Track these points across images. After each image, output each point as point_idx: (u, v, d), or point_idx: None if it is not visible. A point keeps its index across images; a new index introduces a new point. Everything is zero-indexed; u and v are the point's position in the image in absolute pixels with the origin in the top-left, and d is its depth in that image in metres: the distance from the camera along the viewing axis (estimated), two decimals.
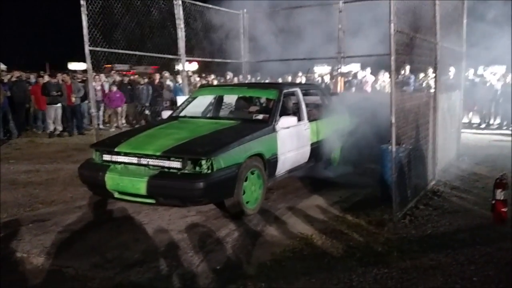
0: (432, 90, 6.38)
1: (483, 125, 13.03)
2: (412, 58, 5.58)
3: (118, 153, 4.99)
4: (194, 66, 15.02)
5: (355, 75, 13.69)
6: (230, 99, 7.08)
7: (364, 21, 8.47)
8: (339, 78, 10.28)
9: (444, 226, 4.67)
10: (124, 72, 21.61)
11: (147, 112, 13.57)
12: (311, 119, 6.45)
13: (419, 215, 4.98)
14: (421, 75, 10.95)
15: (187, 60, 8.94)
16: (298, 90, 6.45)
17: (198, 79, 14.86)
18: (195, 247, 4.23)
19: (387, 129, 4.81)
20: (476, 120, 13.44)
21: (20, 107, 12.27)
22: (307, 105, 6.51)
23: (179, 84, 12.70)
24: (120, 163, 4.97)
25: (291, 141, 5.82)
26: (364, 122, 6.90)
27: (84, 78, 13.94)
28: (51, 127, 12.09)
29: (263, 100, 7.06)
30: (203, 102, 6.95)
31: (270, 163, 5.41)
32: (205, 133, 5.25)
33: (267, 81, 11.82)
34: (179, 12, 8.42)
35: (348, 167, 7.07)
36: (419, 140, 5.57)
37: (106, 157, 5.11)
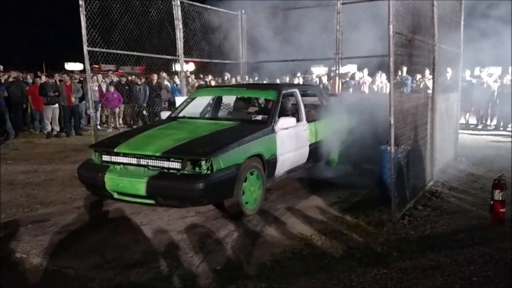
0: (430, 91, 6.41)
1: (480, 126, 13.10)
2: (410, 60, 5.60)
3: (117, 154, 4.99)
4: (191, 66, 15.00)
5: (352, 76, 13.72)
6: (229, 99, 7.09)
7: (362, 22, 8.50)
8: (337, 79, 10.31)
9: (442, 227, 4.69)
10: (111, 72, 21.44)
11: (144, 112, 13.56)
12: (309, 120, 6.47)
13: (418, 216, 5.00)
14: (418, 76, 11.02)
15: (184, 61, 8.94)
16: (296, 91, 6.47)
17: (194, 80, 14.82)
18: (195, 247, 4.23)
19: (385, 130, 4.84)
20: (473, 121, 13.51)
21: (17, 107, 12.24)
22: (305, 106, 6.52)
23: (177, 85, 12.71)
24: (120, 163, 4.97)
25: (290, 142, 5.84)
26: (362, 123, 6.91)
27: (82, 79, 13.92)
28: (49, 128, 12.06)
29: (261, 100, 7.07)
30: (202, 102, 6.95)
31: (269, 163, 5.42)
32: (205, 133, 5.25)
33: (264, 82, 11.83)
34: (177, 13, 8.42)
35: (346, 168, 7.09)
36: (418, 141, 5.59)
37: (106, 157, 5.11)
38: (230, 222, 4.89)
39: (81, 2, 6.60)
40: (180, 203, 4.74)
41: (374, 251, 4.05)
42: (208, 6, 9.53)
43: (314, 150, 6.45)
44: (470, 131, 12.06)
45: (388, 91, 8.73)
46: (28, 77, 13.95)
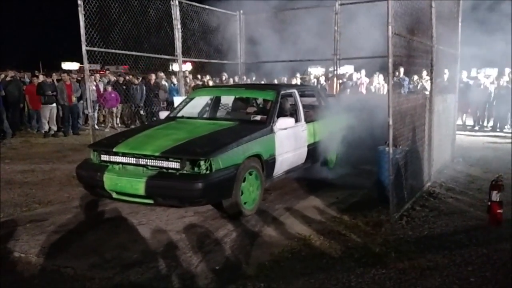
0: (427, 92, 6.43)
1: (477, 127, 13.15)
2: (409, 61, 5.63)
3: (116, 154, 4.99)
4: (188, 66, 14.99)
5: (350, 77, 13.76)
6: (228, 100, 7.10)
7: (360, 23, 8.53)
8: (334, 79, 10.33)
9: (440, 227, 4.71)
10: (97, 71, 21.36)
11: (142, 112, 13.53)
12: (308, 120, 6.48)
13: (416, 216, 5.02)
14: (415, 77, 11.05)
15: (182, 61, 8.94)
16: (295, 92, 6.48)
17: (192, 80, 14.81)
18: (193, 247, 4.24)
19: (383, 130, 4.86)
20: (470, 122, 13.56)
21: (15, 106, 12.21)
22: (304, 106, 6.54)
23: (174, 85, 12.70)
24: (119, 163, 4.96)
25: (288, 142, 5.85)
26: (360, 124, 6.93)
27: (79, 78, 13.89)
28: (46, 127, 12.04)
29: (260, 101, 7.08)
30: (200, 102, 6.95)
31: (268, 164, 5.43)
32: (204, 133, 5.25)
33: (262, 82, 11.84)
34: (176, 13, 8.42)
35: (344, 168, 7.11)
36: (415, 141, 5.61)
37: (104, 157, 5.10)
38: (228, 222, 4.90)
39: (79, 2, 6.60)
40: (179, 203, 4.75)
41: (372, 251, 4.07)
42: (207, 6, 9.53)
43: (313, 151, 6.46)
44: (467, 132, 12.11)
45: (385, 92, 8.78)
46: (26, 76, 13.88)
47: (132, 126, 12.53)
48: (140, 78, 14.05)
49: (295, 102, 6.42)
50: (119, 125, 13.86)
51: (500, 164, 7.69)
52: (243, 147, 5.03)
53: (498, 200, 4.68)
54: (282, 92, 6.20)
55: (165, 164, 4.74)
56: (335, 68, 9.71)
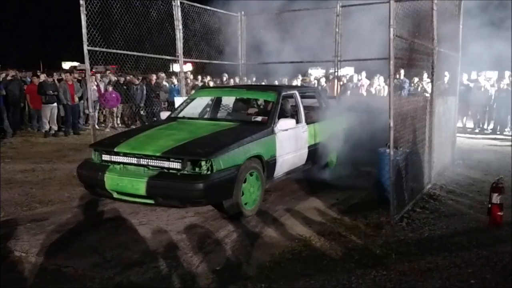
0: (428, 95, 6.44)
1: (477, 130, 13.16)
2: (410, 63, 5.63)
3: (117, 154, 4.99)
4: (188, 67, 14.99)
5: (350, 79, 13.77)
6: (229, 100, 7.10)
7: (361, 25, 8.54)
8: (335, 81, 10.34)
9: (441, 229, 4.71)
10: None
11: (142, 112, 13.54)
12: (308, 121, 6.48)
13: (416, 218, 5.03)
14: (415, 79, 11.04)
15: (183, 61, 8.95)
16: (296, 93, 6.48)
17: (193, 80, 14.81)
18: (194, 247, 4.24)
19: (383, 132, 4.86)
20: (470, 124, 13.57)
21: (15, 106, 12.20)
22: (305, 107, 6.54)
23: (175, 85, 12.71)
24: (120, 163, 4.97)
25: (289, 143, 5.86)
26: (361, 125, 6.94)
27: (80, 78, 13.91)
28: (47, 127, 12.04)
29: (261, 102, 7.09)
30: (201, 103, 6.96)
31: (269, 165, 5.44)
32: (205, 134, 5.26)
33: (263, 83, 11.85)
34: (177, 13, 8.44)
35: (345, 170, 7.10)
36: (416, 143, 5.62)
37: (105, 157, 5.11)
38: (229, 223, 4.90)
39: (81, 2, 6.61)
40: (179, 203, 4.75)
41: (373, 253, 4.07)
42: (208, 7, 9.55)
43: (313, 152, 6.47)
44: (467, 135, 12.10)
45: (385, 94, 8.78)
46: (28, 76, 13.89)
47: (133, 126, 12.54)
48: (140, 78, 14.06)
49: (296, 103, 6.43)
50: (120, 125, 13.86)
51: (500, 167, 7.70)
52: (244, 148, 5.04)
53: (498, 202, 4.69)
54: (283, 93, 6.21)
55: (166, 164, 4.75)
56: (336, 70, 9.72)
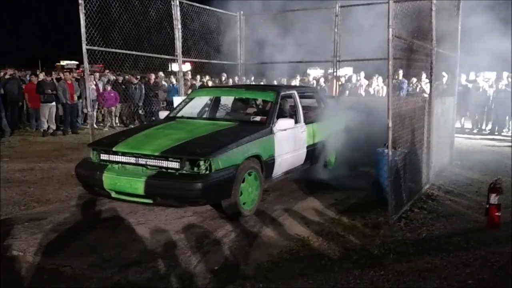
0: (426, 95, 6.45)
1: (475, 130, 13.19)
2: (408, 63, 5.64)
3: (116, 153, 4.99)
4: (187, 66, 14.98)
5: (349, 79, 13.79)
6: (227, 100, 7.10)
7: (360, 25, 8.54)
8: (334, 81, 10.34)
9: (439, 230, 4.72)
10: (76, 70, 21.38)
11: (140, 112, 13.53)
12: (307, 121, 6.49)
13: (414, 218, 5.03)
14: (414, 80, 11.06)
15: (182, 61, 8.94)
16: (295, 93, 6.48)
17: (191, 80, 14.80)
18: (192, 247, 4.24)
19: (382, 132, 4.86)
20: (468, 125, 13.60)
21: (14, 105, 12.19)
22: (303, 107, 6.55)
23: (173, 85, 12.70)
24: (118, 162, 4.97)
25: (288, 143, 5.86)
26: (359, 125, 6.95)
27: (78, 77, 13.89)
28: (45, 126, 12.03)
29: (259, 102, 7.09)
30: (200, 103, 6.96)
31: (267, 164, 5.44)
32: (203, 134, 5.26)
33: (261, 83, 11.85)
34: (176, 13, 8.42)
35: (343, 170, 7.11)
36: (414, 144, 5.63)
37: (104, 156, 5.10)
38: (227, 223, 4.90)
39: (80, 1, 6.59)
40: (178, 203, 4.74)
41: (371, 253, 4.08)
42: (207, 7, 9.54)
43: (312, 152, 6.47)
44: (466, 135, 12.13)
45: (384, 94, 8.78)
46: (27, 75, 13.87)
47: (131, 126, 12.53)
48: (139, 78, 14.04)
49: (295, 103, 6.43)
50: (118, 124, 13.86)
51: (498, 167, 7.72)
52: (243, 148, 5.04)
53: (496, 203, 4.70)
54: (282, 93, 6.21)
55: (164, 164, 4.74)
56: (335, 70, 9.72)
